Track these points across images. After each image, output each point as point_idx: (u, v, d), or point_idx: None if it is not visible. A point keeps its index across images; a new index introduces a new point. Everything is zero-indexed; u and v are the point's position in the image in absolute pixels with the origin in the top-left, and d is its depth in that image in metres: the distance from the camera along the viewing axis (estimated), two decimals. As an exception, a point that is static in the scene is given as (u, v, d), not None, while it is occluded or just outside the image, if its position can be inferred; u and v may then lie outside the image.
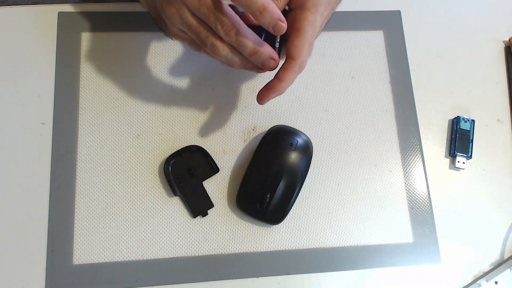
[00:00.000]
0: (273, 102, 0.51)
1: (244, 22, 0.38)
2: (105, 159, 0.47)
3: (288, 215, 0.45)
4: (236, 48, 0.39)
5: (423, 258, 0.47)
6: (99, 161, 0.47)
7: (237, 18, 0.37)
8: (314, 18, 0.40)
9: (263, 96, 0.40)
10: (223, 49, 0.39)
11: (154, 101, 0.49)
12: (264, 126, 0.50)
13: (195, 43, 0.41)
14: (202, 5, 0.36)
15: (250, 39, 0.38)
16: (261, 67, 0.40)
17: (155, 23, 0.44)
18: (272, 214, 0.45)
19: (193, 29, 0.38)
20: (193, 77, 0.50)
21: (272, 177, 0.44)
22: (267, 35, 0.41)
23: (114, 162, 0.47)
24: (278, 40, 0.42)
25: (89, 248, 0.44)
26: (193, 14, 0.38)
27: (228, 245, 0.46)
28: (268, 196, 0.44)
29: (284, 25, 0.36)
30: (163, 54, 0.51)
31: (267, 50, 0.39)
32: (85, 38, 0.50)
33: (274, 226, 0.47)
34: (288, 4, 0.41)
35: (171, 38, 0.42)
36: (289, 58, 0.39)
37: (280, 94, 0.40)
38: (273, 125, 0.48)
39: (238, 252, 0.46)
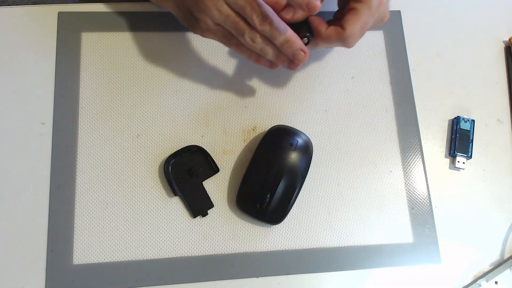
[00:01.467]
0: (273, 102, 0.51)
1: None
2: (105, 159, 0.47)
3: (288, 215, 0.45)
4: (269, 39, 0.41)
5: (423, 258, 0.47)
6: (99, 161, 0.47)
7: (270, 9, 0.39)
8: (369, 1, 0.42)
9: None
10: (260, 40, 0.41)
11: (154, 101, 0.49)
12: (264, 126, 0.50)
13: (227, 37, 0.42)
14: None
15: (283, 29, 0.40)
16: (291, 59, 0.42)
17: (178, 22, 0.44)
18: (272, 214, 0.45)
19: (231, 20, 0.40)
20: (193, 77, 0.50)
21: (272, 177, 0.44)
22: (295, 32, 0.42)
23: (114, 162, 0.47)
24: (306, 41, 0.43)
25: (89, 248, 0.44)
26: (230, 6, 0.39)
27: (228, 245, 0.46)
28: (268, 196, 0.44)
29: (318, 3, 0.38)
30: (163, 54, 0.51)
31: (298, 40, 0.41)
32: (85, 38, 0.50)
33: (274, 226, 0.47)
34: None
35: (202, 35, 0.43)
36: (338, 26, 0.42)
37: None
38: (273, 125, 0.48)
39: (238, 252, 0.46)
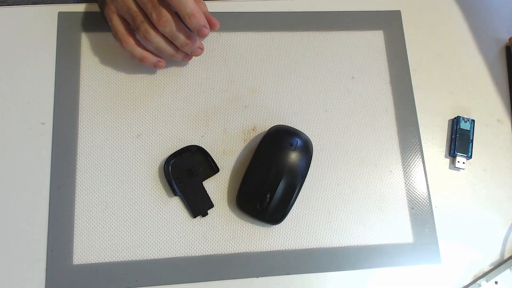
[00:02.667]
0: (273, 102, 0.51)
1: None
2: (105, 159, 0.47)
3: (288, 215, 0.45)
4: (169, 39, 0.44)
5: (423, 258, 0.47)
6: (99, 161, 0.47)
7: (171, 12, 0.42)
8: None
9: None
10: (155, 37, 0.44)
11: (154, 101, 0.49)
12: (264, 126, 0.50)
13: (127, 29, 0.45)
14: None
15: (183, 31, 0.44)
16: (189, 54, 0.48)
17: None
18: (272, 214, 0.45)
19: (131, 12, 0.43)
20: (193, 77, 0.50)
21: (272, 177, 0.44)
22: None
23: (114, 162, 0.47)
24: None
25: (89, 248, 0.44)
26: (134, 1, 0.42)
27: (228, 245, 0.46)
28: (268, 196, 0.44)
29: (207, 31, 0.44)
30: (163, 54, 0.51)
31: (196, 41, 0.46)
32: (85, 38, 0.50)
33: (274, 226, 0.47)
34: None
35: (107, 20, 0.46)
36: None
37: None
38: (273, 125, 0.48)
39: (238, 252, 0.46)
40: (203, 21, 0.43)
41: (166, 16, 0.42)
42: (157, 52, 0.47)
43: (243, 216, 0.46)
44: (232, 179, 0.48)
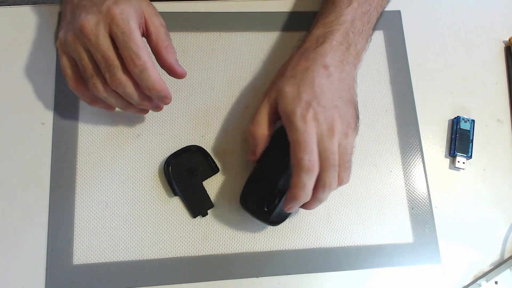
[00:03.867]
0: (273, 102, 0.50)
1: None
2: (105, 159, 0.47)
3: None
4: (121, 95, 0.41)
5: (423, 258, 0.47)
6: (99, 161, 0.47)
7: (125, 71, 0.39)
8: (291, 123, 0.39)
9: (285, 205, 0.41)
10: (104, 92, 0.40)
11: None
12: (264, 126, 0.50)
13: (76, 73, 0.41)
14: (97, 48, 0.38)
15: (138, 91, 0.40)
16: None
17: (177, 22, 0.47)
18: (275, 216, 0.44)
19: (82, 63, 0.39)
20: (193, 77, 0.50)
21: (283, 182, 0.43)
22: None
23: (114, 162, 0.47)
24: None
25: (89, 248, 0.44)
26: (88, 51, 0.39)
27: (228, 245, 0.46)
28: (277, 200, 0.43)
29: (168, 100, 0.41)
30: (163, 54, 0.51)
31: (153, 101, 0.42)
32: (85, 38, 0.50)
33: (274, 226, 0.46)
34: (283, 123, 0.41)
35: (58, 50, 0.42)
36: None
37: (299, 201, 0.39)
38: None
39: (238, 252, 0.46)
40: (164, 92, 0.40)
41: (120, 78, 0.38)
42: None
43: (243, 216, 0.46)
44: (232, 179, 0.48)
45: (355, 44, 0.43)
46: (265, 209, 0.44)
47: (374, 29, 0.47)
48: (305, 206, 0.41)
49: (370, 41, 0.46)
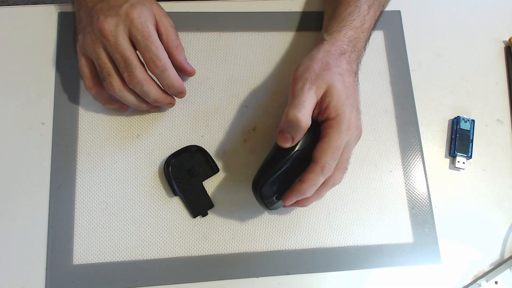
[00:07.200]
0: (274, 102, 0.51)
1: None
2: (105, 159, 0.47)
3: (288, 215, 0.46)
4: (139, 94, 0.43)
5: (423, 258, 0.47)
6: (99, 161, 0.47)
7: (143, 69, 0.41)
8: (338, 125, 0.39)
9: (286, 197, 0.41)
10: (119, 91, 0.42)
11: (154, 101, 0.49)
12: (264, 126, 0.50)
13: (93, 72, 0.43)
14: (116, 49, 0.40)
15: (154, 89, 0.42)
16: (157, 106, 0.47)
17: (177, 22, 0.48)
18: (277, 206, 0.43)
19: (99, 62, 0.41)
20: (193, 77, 0.50)
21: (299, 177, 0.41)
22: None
23: (114, 162, 0.47)
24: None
25: (89, 248, 0.44)
26: (106, 51, 0.41)
27: (228, 245, 0.46)
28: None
29: (183, 95, 0.45)
30: (163, 54, 0.51)
31: (167, 98, 0.45)
32: (85, 38, 0.50)
33: (274, 226, 0.46)
34: (320, 117, 0.41)
35: (77, 52, 0.44)
36: (312, 161, 0.39)
37: (304, 196, 0.40)
38: (278, 124, 0.43)
39: (238, 252, 0.46)
40: (181, 88, 0.43)
41: (138, 77, 0.40)
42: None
43: (243, 216, 0.46)
44: (232, 179, 0.48)
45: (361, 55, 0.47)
46: (275, 199, 0.42)
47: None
48: (302, 202, 0.42)
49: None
